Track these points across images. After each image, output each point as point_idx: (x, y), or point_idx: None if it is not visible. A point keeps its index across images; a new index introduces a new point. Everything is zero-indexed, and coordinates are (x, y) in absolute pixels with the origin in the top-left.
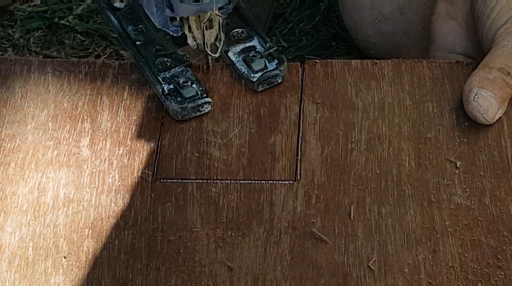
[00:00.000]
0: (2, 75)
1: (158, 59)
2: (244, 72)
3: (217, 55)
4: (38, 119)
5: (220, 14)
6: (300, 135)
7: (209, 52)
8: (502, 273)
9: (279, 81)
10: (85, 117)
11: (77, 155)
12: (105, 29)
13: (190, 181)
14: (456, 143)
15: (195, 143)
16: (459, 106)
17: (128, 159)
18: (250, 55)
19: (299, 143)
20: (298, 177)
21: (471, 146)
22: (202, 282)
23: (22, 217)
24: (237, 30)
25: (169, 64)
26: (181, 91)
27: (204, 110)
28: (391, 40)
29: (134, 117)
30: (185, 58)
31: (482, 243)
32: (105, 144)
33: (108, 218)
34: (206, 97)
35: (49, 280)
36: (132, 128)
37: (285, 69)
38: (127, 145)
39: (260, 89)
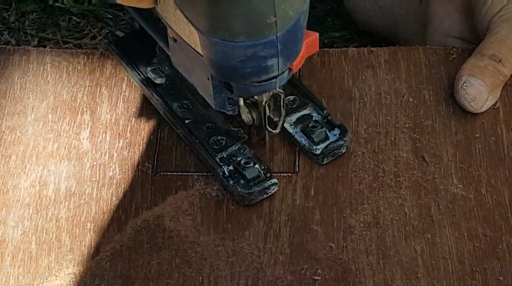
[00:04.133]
0: (0, 65)
1: (211, 138)
2: (305, 144)
3: (277, 131)
4: (38, 111)
5: (282, 91)
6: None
7: (270, 129)
8: (499, 263)
9: (343, 151)
10: (85, 109)
11: (77, 148)
12: (100, 10)
13: (190, 174)
14: (453, 131)
15: None
16: None
17: (128, 151)
18: (309, 125)
19: None
20: (297, 170)
21: (467, 134)
22: (203, 276)
23: (24, 211)
24: (289, 97)
25: (224, 143)
26: (244, 172)
27: (271, 192)
28: (389, 14)
29: (133, 109)
30: (240, 135)
31: (479, 234)
32: (105, 136)
33: (110, 212)
34: (271, 177)
35: (52, 275)
36: (132, 120)
37: (349, 138)
38: (127, 138)
39: (325, 162)
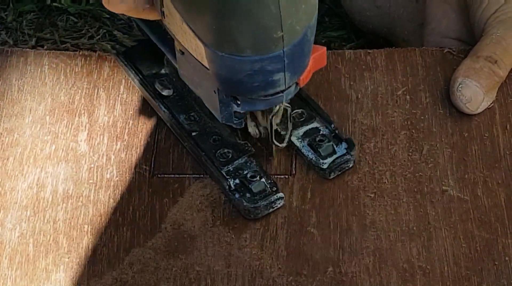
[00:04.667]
0: None
1: (218, 151)
2: (312, 159)
3: (284, 145)
4: (36, 113)
5: (289, 105)
6: None
7: (276, 143)
8: (495, 265)
9: (351, 165)
10: (82, 111)
11: (75, 150)
12: (98, 10)
13: (187, 176)
14: (449, 133)
15: None
16: None
17: (126, 154)
18: (316, 139)
19: None
20: (294, 172)
21: (464, 136)
22: (200, 279)
23: (22, 213)
24: (296, 111)
25: (231, 156)
26: (250, 186)
27: (277, 206)
28: (387, 13)
29: (131, 112)
30: (246, 148)
31: (475, 236)
32: (103, 138)
33: (107, 214)
34: (277, 191)
35: (49, 277)
36: (129, 122)
37: (356, 153)
38: (125, 140)
39: (331, 177)
